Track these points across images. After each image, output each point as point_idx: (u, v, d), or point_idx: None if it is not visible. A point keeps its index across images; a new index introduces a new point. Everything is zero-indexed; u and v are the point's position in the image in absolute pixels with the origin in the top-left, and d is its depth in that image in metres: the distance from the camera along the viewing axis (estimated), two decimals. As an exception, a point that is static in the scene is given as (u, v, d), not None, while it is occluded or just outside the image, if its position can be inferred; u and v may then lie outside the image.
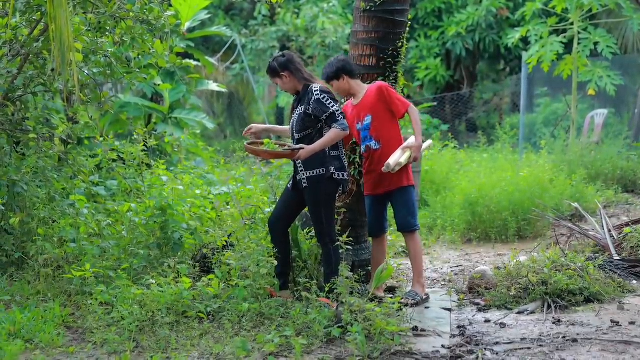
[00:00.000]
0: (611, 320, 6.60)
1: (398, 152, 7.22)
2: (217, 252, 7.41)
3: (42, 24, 7.57)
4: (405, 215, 7.36)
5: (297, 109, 6.93)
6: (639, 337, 6.12)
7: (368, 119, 7.29)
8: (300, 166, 6.83)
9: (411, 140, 7.30)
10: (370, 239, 7.69)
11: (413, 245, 7.42)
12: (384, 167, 7.11)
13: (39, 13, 7.44)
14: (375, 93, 7.27)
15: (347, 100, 7.53)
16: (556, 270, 7.35)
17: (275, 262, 6.77)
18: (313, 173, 6.80)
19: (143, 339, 6.02)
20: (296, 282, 7.12)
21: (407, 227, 7.38)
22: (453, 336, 6.42)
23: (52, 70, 7.62)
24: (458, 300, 7.56)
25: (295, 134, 6.93)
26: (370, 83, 7.44)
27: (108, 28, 7.72)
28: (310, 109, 6.80)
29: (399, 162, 7.13)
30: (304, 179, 6.83)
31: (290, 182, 7.04)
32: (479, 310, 7.21)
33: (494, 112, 23.98)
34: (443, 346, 6.08)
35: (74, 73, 6.27)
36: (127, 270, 7.11)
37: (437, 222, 11.40)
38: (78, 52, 7.11)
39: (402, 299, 7.01)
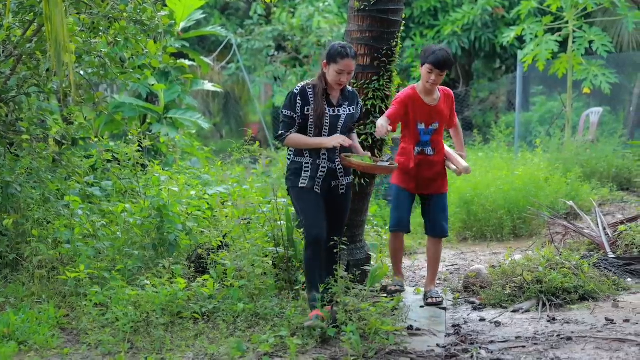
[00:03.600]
0: (606, 318, 6.61)
1: (459, 158, 7.34)
2: (212, 252, 7.41)
3: (35, 24, 7.56)
4: (442, 220, 7.36)
5: (342, 108, 6.48)
6: (633, 334, 6.13)
7: (436, 126, 7.26)
8: (342, 172, 6.50)
9: (464, 163, 7.31)
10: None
11: (439, 250, 7.48)
12: (465, 170, 7.21)
13: (32, 13, 7.43)
14: (448, 100, 7.32)
15: (401, 93, 7.33)
16: (551, 269, 7.36)
17: (270, 262, 6.75)
18: (349, 180, 6.62)
19: (138, 340, 6.01)
20: (292, 281, 7.11)
21: (443, 233, 7.42)
22: (448, 335, 6.43)
23: (47, 70, 7.61)
24: (453, 299, 7.56)
25: (342, 134, 6.53)
26: (364, 82, 7.40)
27: (101, 28, 7.72)
28: (358, 112, 6.65)
29: (466, 166, 7.29)
30: (343, 185, 6.54)
31: (317, 187, 6.43)
32: (474, 309, 7.22)
33: (490, 110, 23.99)
34: (438, 345, 6.09)
35: (70, 73, 6.27)
36: (122, 271, 7.10)
37: (433, 221, 11.39)
38: (71, 53, 7.10)
39: (427, 299, 7.27)
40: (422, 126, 7.22)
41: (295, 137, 6.35)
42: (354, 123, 6.66)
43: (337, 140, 6.28)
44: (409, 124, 7.23)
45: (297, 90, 6.37)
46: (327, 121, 6.38)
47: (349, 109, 6.51)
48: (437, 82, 7.08)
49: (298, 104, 6.33)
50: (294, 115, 6.34)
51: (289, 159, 6.52)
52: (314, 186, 6.39)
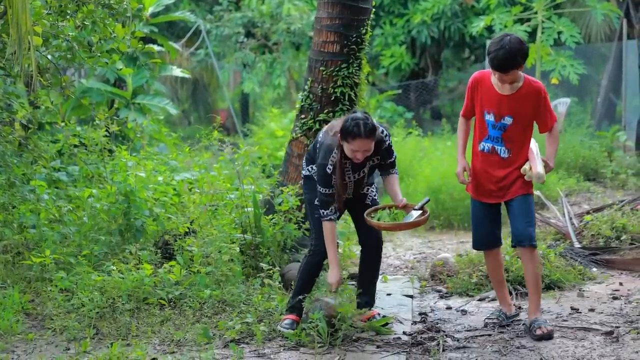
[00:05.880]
0: (571, 307, 6.66)
1: (539, 161, 6.02)
2: (179, 238, 7.37)
3: (1, 7, 7.46)
4: (526, 226, 5.97)
5: (366, 167, 5.98)
6: (598, 324, 6.18)
7: (508, 121, 5.94)
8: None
9: (539, 168, 5.99)
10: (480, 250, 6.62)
11: (534, 264, 6.01)
12: (536, 178, 5.92)
13: (-2, -4, 7.34)
14: (533, 94, 5.95)
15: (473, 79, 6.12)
16: (517, 258, 7.40)
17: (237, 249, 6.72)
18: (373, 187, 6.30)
19: (103, 325, 5.98)
20: (259, 268, 7.09)
21: (529, 240, 5.96)
22: (414, 323, 6.45)
23: (13, 54, 7.51)
24: (420, 287, 7.59)
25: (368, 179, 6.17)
26: (333, 70, 7.38)
27: (69, 12, 7.63)
28: (387, 154, 6.02)
29: (540, 174, 5.96)
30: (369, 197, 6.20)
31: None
32: (441, 297, 7.25)
33: (459, 100, 24.04)
34: (404, 333, 6.10)
35: (32, 57, 6.19)
36: (88, 257, 7.04)
37: (401, 210, 11.42)
38: (37, 36, 7.01)
39: (535, 331, 5.89)
40: (490, 117, 5.98)
41: (330, 228, 5.84)
42: (390, 165, 6.00)
43: (333, 280, 5.87)
44: (477, 113, 6.10)
45: (330, 169, 5.77)
46: (350, 186, 5.98)
47: (373, 160, 5.91)
48: (507, 81, 5.90)
49: (334, 180, 5.81)
50: (332, 191, 5.82)
51: (310, 172, 6.09)
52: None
